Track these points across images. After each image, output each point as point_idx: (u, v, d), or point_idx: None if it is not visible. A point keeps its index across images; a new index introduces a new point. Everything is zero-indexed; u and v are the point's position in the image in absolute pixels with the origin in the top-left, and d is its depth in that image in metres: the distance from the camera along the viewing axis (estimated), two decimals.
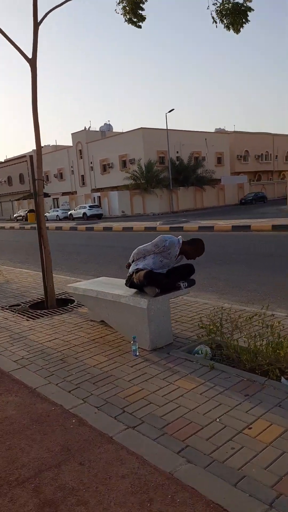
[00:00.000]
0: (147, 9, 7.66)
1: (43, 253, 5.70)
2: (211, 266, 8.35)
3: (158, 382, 3.13)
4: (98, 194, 41.16)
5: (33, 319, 5.22)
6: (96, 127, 55.52)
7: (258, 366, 3.12)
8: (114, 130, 54.18)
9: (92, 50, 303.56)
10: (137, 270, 3.98)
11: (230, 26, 6.02)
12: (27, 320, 5.19)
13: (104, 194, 40.48)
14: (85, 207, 37.01)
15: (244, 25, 6.01)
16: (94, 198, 40.97)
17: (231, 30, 6.03)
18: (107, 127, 54.29)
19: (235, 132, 52.80)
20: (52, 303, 5.76)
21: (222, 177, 46.15)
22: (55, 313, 5.42)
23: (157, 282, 3.80)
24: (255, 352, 3.19)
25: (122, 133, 45.49)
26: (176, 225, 19.15)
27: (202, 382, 3.05)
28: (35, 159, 5.57)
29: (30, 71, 5.42)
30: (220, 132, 52.58)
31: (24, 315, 5.41)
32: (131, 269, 4.08)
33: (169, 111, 38.11)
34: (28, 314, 5.48)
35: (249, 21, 5.99)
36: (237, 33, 6.06)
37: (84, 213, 35.98)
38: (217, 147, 48.72)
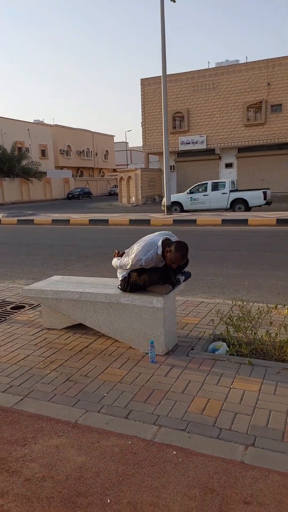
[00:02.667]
0: None
1: None
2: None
3: (215, 388, 2.83)
4: None
5: None
6: None
7: None
8: None
9: None
10: (132, 271, 3.47)
11: None
12: None
13: None
14: None
15: None
16: None
17: None
18: None
19: (56, 125, 52.26)
20: None
21: (48, 170, 45.20)
22: None
23: (169, 279, 3.42)
24: None
25: None
26: (24, 217, 17.83)
27: (261, 381, 2.90)
28: None
29: None
30: (42, 123, 51.17)
31: None
32: (124, 272, 3.51)
33: None
34: None
35: None
36: None
37: None
38: (40, 139, 47.43)
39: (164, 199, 16.88)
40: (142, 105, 31.55)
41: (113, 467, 2.12)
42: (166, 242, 3.34)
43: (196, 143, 30.17)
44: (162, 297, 3.34)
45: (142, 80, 31.27)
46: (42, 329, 4.11)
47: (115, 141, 65.37)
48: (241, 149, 29.93)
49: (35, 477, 2.07)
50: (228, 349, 3.42)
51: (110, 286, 3.74)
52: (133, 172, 29.18)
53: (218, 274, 6.71)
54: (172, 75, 29.55)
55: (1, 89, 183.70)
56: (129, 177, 29.35)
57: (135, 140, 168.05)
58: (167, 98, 27.99)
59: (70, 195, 42.63)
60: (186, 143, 30.36)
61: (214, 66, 30.62)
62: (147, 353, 3.40)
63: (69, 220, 16.53)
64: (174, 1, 16.01)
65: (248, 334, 3.42)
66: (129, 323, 3.46)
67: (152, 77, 30.91)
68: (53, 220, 16.83)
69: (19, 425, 2.52)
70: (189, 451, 2.21)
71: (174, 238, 3.50)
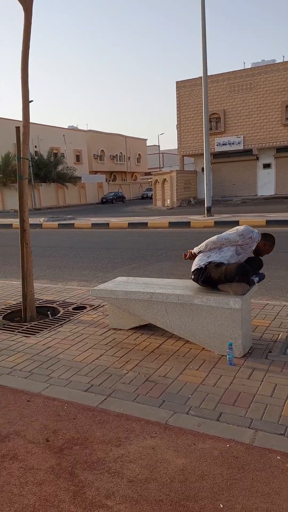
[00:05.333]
0: None
1: (24, 250, 4.55)
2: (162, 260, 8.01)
3: None
4: None
5: (27, 334, 4.11)
6: None
7: None
8: None
9: None
10: (210, 263, 3.43)
11: None
12: (25, 336, 4.06)
13: None
14: None
15: None
16: None
17: None
18: None
19: (90, 131, 52.98)
20: (32, 313, 4.65)
21: (82, 175, 45.87)
22: (49, 324, 4.38)
23: (248, 277, 3.33)
24: None
25: None
26: (64, 221, 18.11)
27: None
28: (22, 132, 4.37)
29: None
30: (76, 129, 52.03)
31: (13, 330, 4.23)
32: (201, 262, 3.49)
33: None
34: (11, 327, 4.30)
35: None
36: None
37: None
38: (74, 144, 48.22)
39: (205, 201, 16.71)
40: (177, 108, 31.50)
41: (217, 470, 2.05)
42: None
43: (232, 144, 29.81)
44: (239, 297, 3.25)
45: (177, 82, 31.23)
46: (109, 330, 4.10)
47: (147, 144, 65.60)
48: (280, 149, 29.33)
49: (138, 478, 2.03)
50: None
51: (179, 287, 3.69)
52: (168, 174, 29.13)
53: (274, 276, 6.53)
54: (208, 76, 29.30)
55: (37, 96, 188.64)
56: (164, 179, 29.31)
57: (167, 143, 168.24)
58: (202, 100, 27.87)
59: (104, 200, 43.04)
60: (223, 144, 30.04)
61: (250, 67, 30.21)
62: (223, 355, 3.32)
63: (108, 223, 16.65)
64: None
65: None
66: (203, 325, 3.39)
67: (187, 79, 30.83)
68: (92, 224, 17.00)
69: (109, 425, 2.50)
70: None
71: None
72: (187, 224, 15.15)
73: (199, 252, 3.58)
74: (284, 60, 28.57)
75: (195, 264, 3.54)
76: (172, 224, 15.29)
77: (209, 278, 3.40)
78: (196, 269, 3.50)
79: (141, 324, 3.93)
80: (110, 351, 3.56)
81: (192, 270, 3.56)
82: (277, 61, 29.85)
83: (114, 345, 3.69)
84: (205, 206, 16.54)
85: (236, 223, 14.07)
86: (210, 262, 3.43)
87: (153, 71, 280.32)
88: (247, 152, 29.90)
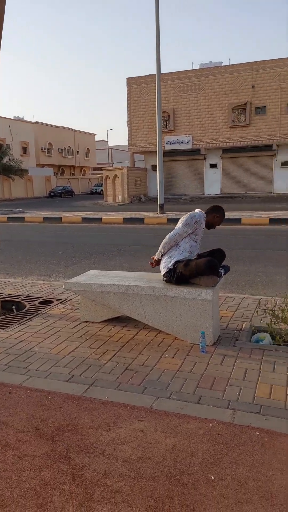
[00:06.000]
0: None
1: None
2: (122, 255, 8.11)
3: (273, 375, 2.96)
4: None
5: None
6: None
7: None
8: None
9: None
10: (177, 263, 3.61)
11: None
12: None
13: None
14: None
15: None
16: None
17: None
18: None
19: (37, 122, 51.62)
20: None
21: (30, 168, 44.61)
22: (17, 318, 4.36)
23: (217, 270, 3.54)
24: None
25: None
26: (13, 215, 17.62)
27: None
28: None
29: None
30: (22, 120, 50.46)
31: None
32: (168, 264, 3.65)
33: None
34: None
35: None
36: None
37: None
38: (21, 136, 46.76)
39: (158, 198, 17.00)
40: (128, 104, 31.60)
41: (204, 447, 2.22)
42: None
43: (181, 143, 30.47)
44: (210, 289, 3.46)
45: (128, 79, 31.32)
46: (80, 323, 4.16)
47: (96, 139, 65.09)
48: (226, 150, 30.41)
49: (132, 458, 2.15)
50: (272, 340, 3.57)
51: (152, 280, 3.83)
52: (120, 170, 29.20)
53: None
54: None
55: None
56: (115, 175, 29.34)
57: (116, 139, 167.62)
58: (154, 98, 28.19)
59: (52, 193, 42.16)
60: (172, 143, 30.61)
61: (198, 68, 30.99)
62: (194, 344, 3.52)
63: (61, 218, 16.46)
64: None
65: None
66: (177, 315, 3.57)
67: (138, 76, 31.03)
68: (44, 218, 16.72)
69: (96, 411, 2.59)
70: (271, 431, 2.34)
71: None
72: (141, 220, 15.36)
73: (161, 256, 3.75)
74: (231, 63, 29.62)
75: (164, 267, 3.70)
76: (126, 220, 15.44)
77: (182, 277, 3.57)
78: (166, 272, 3.66)
79: (114, 316, 4.03)
80: (86, 343, 3.64)
81: (162, 273, 3.72)
82: (224, 64, 30.90)
83: (88, 337, 3.77)
84: (158, 203, 16.85)
85: None
86: (176, 262, 3.61)
87: (103, 66, 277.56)
88: (195, 152, 30.70)
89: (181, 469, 2.06)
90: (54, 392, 2.83)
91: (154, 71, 17.15)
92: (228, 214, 16.19)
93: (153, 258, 3.90)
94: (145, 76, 30.56)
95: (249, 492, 1.89)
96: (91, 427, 2.43)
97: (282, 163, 29.19)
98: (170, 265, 3.64)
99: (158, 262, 3.86)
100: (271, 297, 4.79)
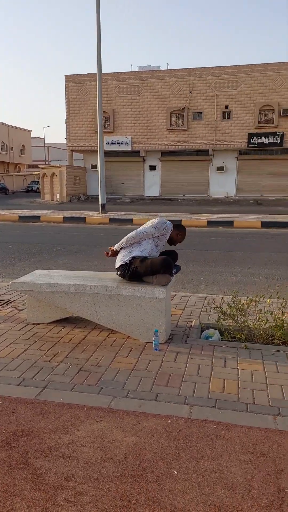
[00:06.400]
0: None
1: None
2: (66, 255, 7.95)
3: (225, 370, 3.07)
4: None
5: None
6: None
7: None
8: None
9: None
10: (133, 258, 3.63)
11: None
12: None
13: None
14: None
15: None
16: None
17: None
18: None
19: None
20: None
21: None
22: None
23: (171, 269, 3.60)
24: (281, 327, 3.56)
25: None
26: None
27: (262, 362, 3.19)
28: None
29: None
30: None
31: None
32: (125, 258, 3.66)
33: None
34: None
35: None
36: None
37: None
38: None
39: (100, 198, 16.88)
40: (66, 102, 31.08)
41: (165, 443, 2.24)
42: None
43: (121, 144, 30.56)
44: (163, 287, 3.51)
45: (66, 76, 30.81)
46: (27, 324, 4.02)
47: (31, 136, 63.16)
48: (165, 153, 30.98)
49: (94, 459, 2.11)
50: (220, 336, 3.69)
51: (105, 279, 3.80)
52: (58, 168, 28.62)
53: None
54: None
55: None
56: (53, 173, 28.71)
57: (53, 136, 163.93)
58: (93, 97, 28.02)
59: None
60: (112, 143, 30.58)
61: (137, 70, 31.28)
62: (147, 342, 3.54)
63: None
64: None
65: (239, 322, 3.72)
66: (130, 314, 3.57)
67: (77, 74, 30.63)
68: None
69: (52, 414, 2.51)
70: (226, 424, 2.42)
71: None
72: (82, 220, 15.15)
73: (121, 248, 3.75)
74: (169, 68, 30.28)
75: (120, 260, 3.70)
76: (67, 219, 15.16)
77: (136, 272, 3.59)
78: (121, 265, 3.66)
79: (63, 317, 3.94)
80: (35, 345, 3.52)
81: (117, 266, 3.71)
82: (162, 68, 31.50)
83: (37, 339, 3.65)
84: (100, 203, 16.74)
85: (130, 221, 14.58)
86: (133, 257, 3.62)
87: (41, 62, 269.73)
88: (134, 153, 30.94)
89: (144, 467, 2.06)
90: (5, 396, 2.71)
91: (92, 70, 17.04)
92: (168, 216, 16.55)
93: (110, 248, 3.85)
94: (84, 74, 30.28)
95: (211, 484, 1.94)
96: (48, 431, 2.35)
97: (217, 168, 30.35)
98: (127, 259, 3.64)
99: (114, 253, 3.82)
100: (215, 295, 4.96)
